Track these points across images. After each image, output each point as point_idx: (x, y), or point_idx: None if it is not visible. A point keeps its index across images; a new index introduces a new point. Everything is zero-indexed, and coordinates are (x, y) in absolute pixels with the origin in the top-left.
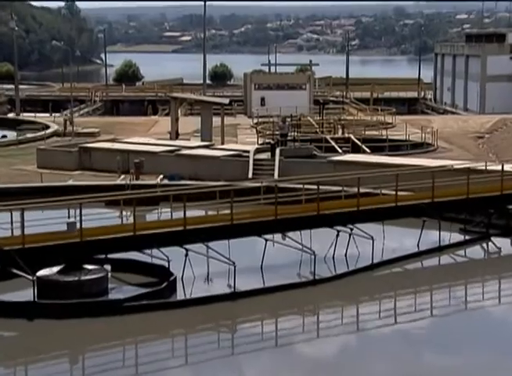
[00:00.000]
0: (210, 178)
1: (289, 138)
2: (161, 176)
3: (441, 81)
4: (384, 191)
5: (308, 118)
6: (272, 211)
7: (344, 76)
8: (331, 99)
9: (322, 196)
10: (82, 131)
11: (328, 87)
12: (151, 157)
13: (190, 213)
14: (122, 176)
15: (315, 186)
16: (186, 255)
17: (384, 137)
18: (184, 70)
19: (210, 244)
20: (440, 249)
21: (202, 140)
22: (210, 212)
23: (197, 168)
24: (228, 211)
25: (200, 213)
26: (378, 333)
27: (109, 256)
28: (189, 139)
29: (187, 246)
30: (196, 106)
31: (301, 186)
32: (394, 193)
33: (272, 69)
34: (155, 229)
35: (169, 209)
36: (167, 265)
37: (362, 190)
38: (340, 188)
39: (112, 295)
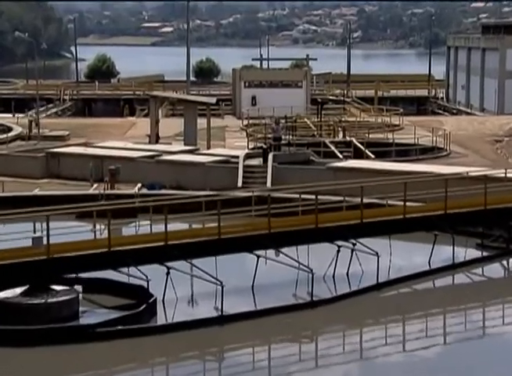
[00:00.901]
0: (194, 187)
1: (283, 142)
2: (139, 185)
3: (455, 77)
4: (390, 202)
5: (305, 120)
6: (264, 224)
7: (345, 72)
8: (330, 98)
9: (320, 207)
10: (50, 134)
11: (327, 84)
12: (128, 163)
13: (172, 226)
14: (95, 185)
15: (313, 196)
16: (168, 274)
17: (390, 141)
18: (165, 65)
19: (195, 262)
20: (454, 267)
21: (185, 144)
22: (194, 225)
23: (180, 176)
24: (215, 225)
25: (184, 226)
26: (384, 362)
27: (81, 275)
28: (170, 143)
29: (169, 263)
30: (179, 106)
31: (297, 195)
32: (401, 203)
33: (264, 64)
34: (132, 244)
35: (148, 222)
36: (145, 286)
37: (365, 201)
38: (341, 198)
39: (83, 320)
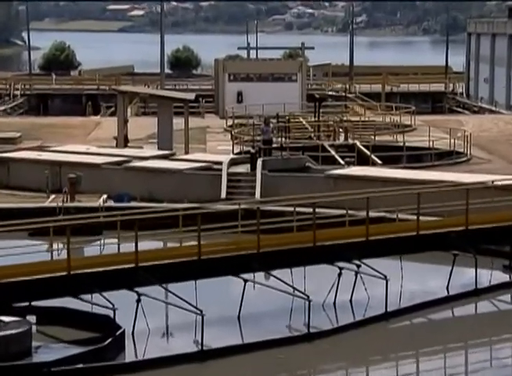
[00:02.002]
0: (170, 198)
1: (274, 145)
2: (105, 196)
3: (476, 69)
4: (401, 216)
5: (300, 119)
6: (252, 243)
7: (348, 63)
8: (330, 93)
9: (319, 222)
10: None
11: (326, 78)
12: (91, 170)
13: (144, 245)
14: (52, 197)
15: (310, 209)
16: (138, 302)
17: (401, 144)
18: (135, 55)
19: (171, 287)
20: (477, 293)
21: (159, 148)
22: (170, 244)
23: (153, 186)
24: (194, 243)
25: (158, 245)
26: None
27: (35, 304)
28: (141, 147)
29: (139, 289)
30: (152, 103)
31: (291, 209)
32: (414, 218)
33: (252, 54)
34: (96, 266)
35: (115, 240)
36: (112, 315)
37: (372, 215)
38: (343, 212)
39: (37, 357)
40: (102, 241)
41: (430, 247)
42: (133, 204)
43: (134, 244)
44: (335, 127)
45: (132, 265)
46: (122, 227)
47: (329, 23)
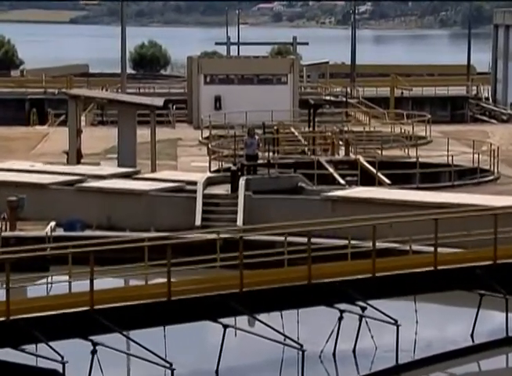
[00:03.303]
0: (133, 226)
1: (260, 161)
2: (53, 224)
3: (505, 69)
4: (415, 247)
5: (292, 129)
6: (234, 280)
7: (349, 62)
8: (328, 98)
9: (315, 254)
10: None
11: (323, 80)
12: (36, 192)
13: (101, 284)
14: None
15: (304, 239)
16: (94, 353)
17: (414, 160)
18: (90, 51)
19: (134, 335)
20: (508, 342)
21: (120, 165)
22: (133, 282)
23: (113, 211)
24: (163, 281)
25: (118, 283)
26: None
27: None
28: (98, 164)
29: (95, 337)
30: (111, 110)
31: (281, 238)
32: (431, 250)
33: (233, 51)
34: (42, 310)
35: (66, 278)
36: (61, 370)
37: (379, 246)
38: (344, 242)
39: None
40: (49, 279)
41: (451, 285)
42: (88, 233)
43: (88, 283)
44: (334, 139)
45: (86, 309)
46: (74, 262)
47: (327, 14)
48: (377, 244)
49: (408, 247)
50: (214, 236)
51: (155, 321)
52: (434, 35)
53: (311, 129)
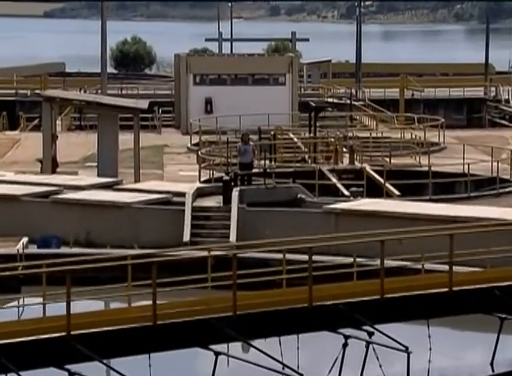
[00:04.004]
0: (115, 242)
1: (255, 170)
2: (25, 240)
3: None
4: (427, 266)
5: (290, 135)
6: (227, 302)
7: (354, 60)
8: (331, 100)
9: (317, 274)
10: None
11: (326, 80)
12: (7, 204)
13: (79, 306)
14: None
15: (305, 257)
16: None
17: (426, 169)
18: (67, 48)
19: (115, 363)
20: None
21: (100, 175)
22: (115, 305)
23: (92, 226)
24: (148, 303)
25: (98, 306)
26: None
27: None
28: (76, 173)
29: (72, 366)
30: (90, 113)
31: (279, 255)
32: (446, 269)
33: (226, 48)
34: (12, 336)
35: (40, 300)
36: None
37: (388, 264)
38: (349, 260)
39: None
40: (20, 301)
41: (468, 308)
42: (64, 250)
43: (65, 305)
44: (337, 146)
45: (62, 334)
46: (49, 282)
47: (329, 7)
48: (386, 262)
49: (420, 266)
50: (204, 253)
51: (139, 348)
52: (449, 31)
53: (311, 135)
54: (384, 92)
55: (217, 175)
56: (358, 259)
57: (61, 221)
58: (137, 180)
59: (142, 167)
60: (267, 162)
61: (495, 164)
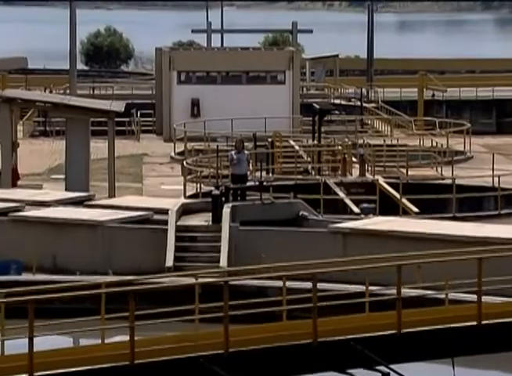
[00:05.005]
0: (85, 268)
1: (250, 183)
2: None
3: None
4: (452, 295)
5: (291, 142)
6: (217, 337)
7: (364, 55)
8: (338, 102)
9: (322, 304)
10: None
11: (332, 78)
12: None
13: (44, 342)
14: None
15: (308, 284)
16: None
17: (449, 182)
18: (30, 41)
19: None
20: None
21: (69, 188)
22: (86, 341)
23: (59, 248)
24: (124, 339)
25: (65, 342)
26: None
27: None
28: (40, 187)
29: None
30: (57, 117)
31: (278, 283)
32: (474, 298)
33: (216, 40)
34: None
35: None
36: None
37: (405, 293)
38: (360, 288)
39: None
40: None
41: (499, 345)
42: (26, 277)
43: (27, 342)
44: (345, 155)
45: None
46: (8, 314)
47: None
48: (403, 290)
49: (443, 295)
50: (191, 280)
51: None
52: (475, 21)
53: (315, 142)
54: (399, 93)
55: (205, 188)
56: (370, 287)
57: (22, 243)
58: (112, 195)
59: (117, 179)
60: (264, 174)
61: None
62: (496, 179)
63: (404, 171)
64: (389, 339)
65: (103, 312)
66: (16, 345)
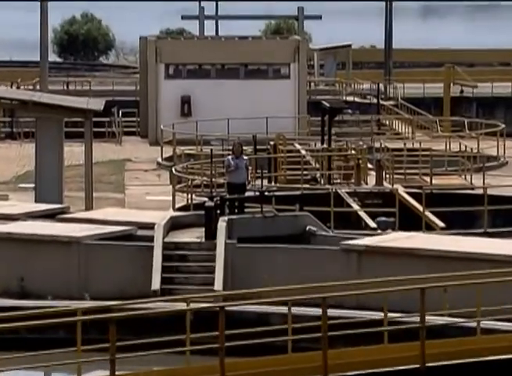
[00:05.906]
0: (58, 292)
1: (249, 193)
2: None
3: None
4: (484, 324)
5: (297, 146)
6: (211, 372)
7: (382, 45)
8: (351, 99)
9: (334, 334)
10: None
11: (344, 71)
12: None
13: None
14: None
15: (318, 310)
16: None
17: (480, 192)
18: None
19: None
20: None
21: (39, 200)
22: None
23: (27, 269)
24: (104, 373)
25: None
26: None
27: None
28: (6, 198)
29: None
30: (26, 116)
31: (282, 308)
32: (510, 326)
33: (209, 28)
34: None
35: None
36: None
37: (430, 321)
38: (378, 315)
39: None
40: None
41: None
42: None
43: None
44: (359, 160)
45: None
46: None
47: None
48: (427, 318)
49: (474, 324)
50: (181, 306)
51: None
52: (510, 6)
53: (325, 145)
54: (422, 88)
55: (197, 199)
56: (389, 314)
57: None
58: (89, 207)
59: (95, 189)
60: (265, 182)
61: None
62: None
63: (427, 179)
64: (411, 374)
65: (79, 343)
66: None
